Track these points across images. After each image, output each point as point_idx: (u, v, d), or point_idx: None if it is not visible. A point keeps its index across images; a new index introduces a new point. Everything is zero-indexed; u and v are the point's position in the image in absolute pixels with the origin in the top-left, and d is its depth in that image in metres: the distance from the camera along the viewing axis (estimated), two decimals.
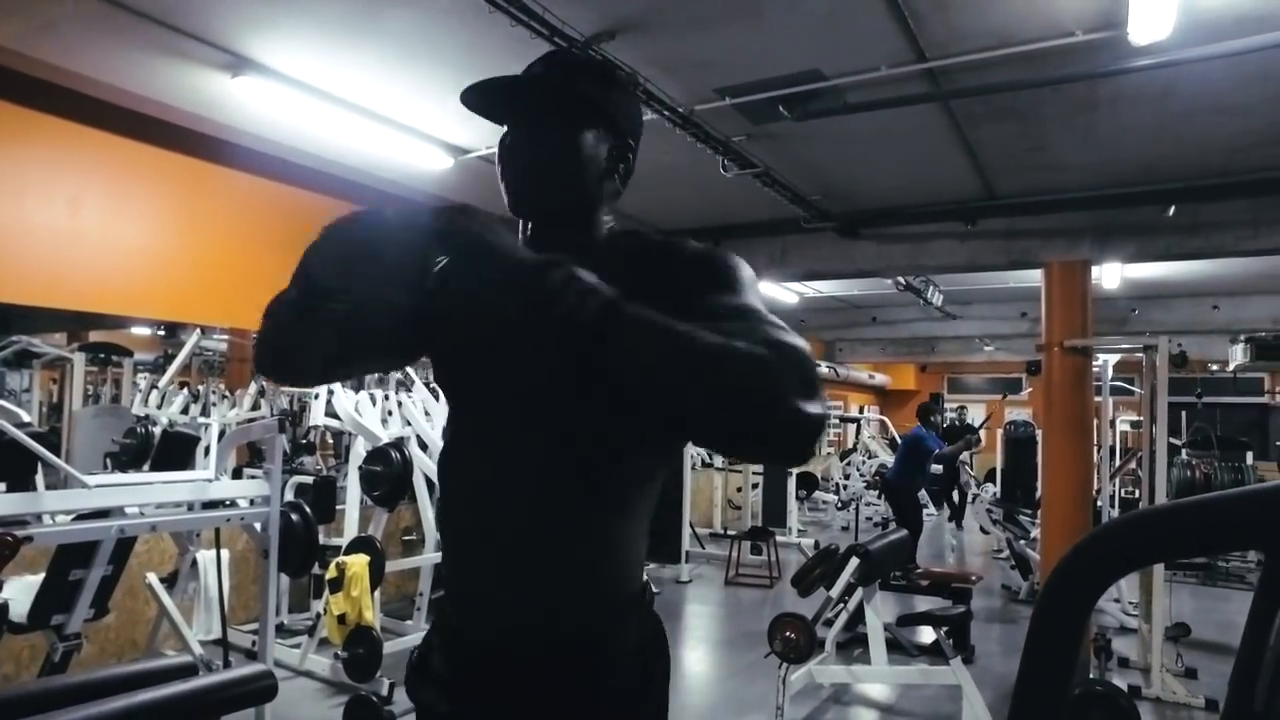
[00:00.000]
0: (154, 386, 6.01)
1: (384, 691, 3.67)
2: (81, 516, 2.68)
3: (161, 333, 7.62)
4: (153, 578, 3.52)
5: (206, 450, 4.92)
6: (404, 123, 4.16)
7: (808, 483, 9.93)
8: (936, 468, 8.12)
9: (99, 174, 4.01)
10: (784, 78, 3.50)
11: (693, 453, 8.37)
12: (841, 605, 3.99)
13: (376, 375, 5.64)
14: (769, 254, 6.17)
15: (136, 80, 3.68)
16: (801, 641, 3.49)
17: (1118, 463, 7.11)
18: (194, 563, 3.78)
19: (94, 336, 7.07)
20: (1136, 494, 6.91)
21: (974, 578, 5.39)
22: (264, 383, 5.70)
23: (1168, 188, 4.76)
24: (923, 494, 8.11)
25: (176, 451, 4.82)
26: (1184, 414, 8.77)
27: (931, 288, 8.24)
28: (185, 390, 6.22)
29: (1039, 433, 7.33)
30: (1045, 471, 5.61)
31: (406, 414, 4.75)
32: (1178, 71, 3.22)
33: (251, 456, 5.93)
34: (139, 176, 4.18)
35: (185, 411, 5.82)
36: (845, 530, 9.62)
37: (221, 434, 4.51)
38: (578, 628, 1.04)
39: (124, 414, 6.16)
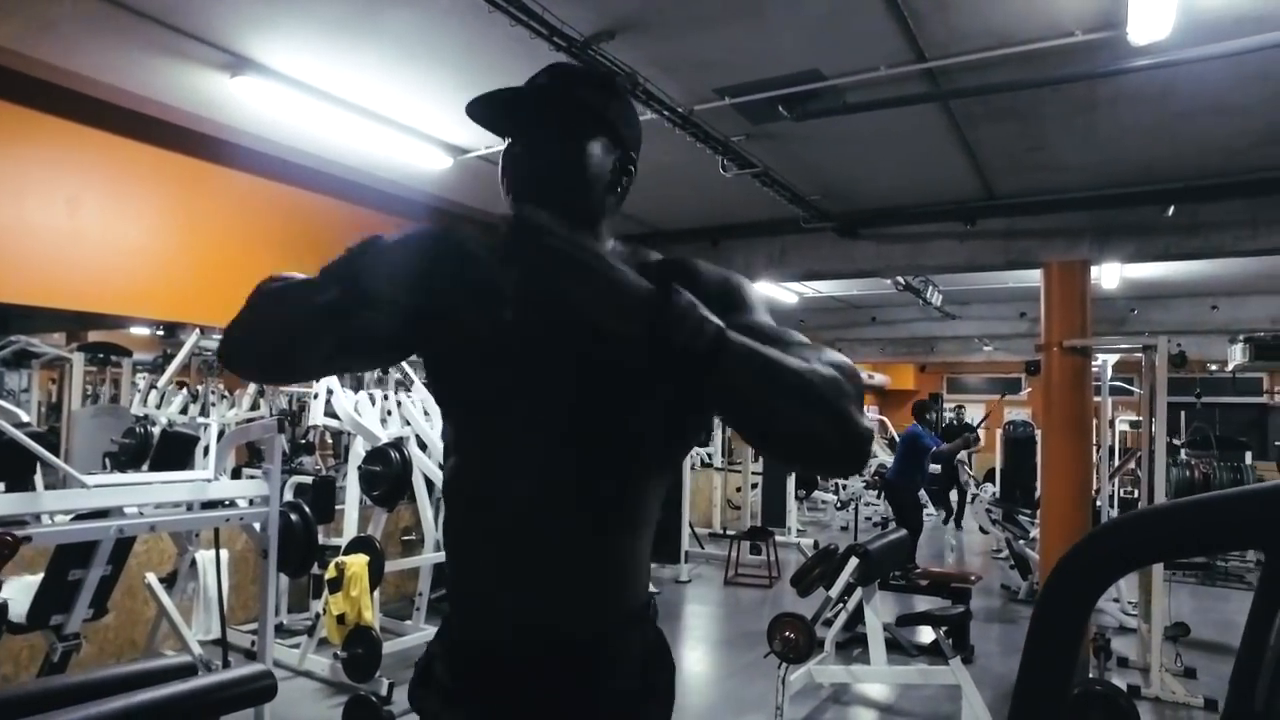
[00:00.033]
0: (153, 386, 6.01)
1: (383, 691, 3.67)
2: (80, 516, 2.68)
3: (160, 333, 7.60)
4: (152, 578, 3.52)
5: (206, 450, 4.92)
6: (403, 123, 4.15)
7: (807, 483, 9.93)
8: (935, 467, 8.12)
9: (98, 174, 4.01)
10: (783, 78, 3.50)
11: (692, 452, 8.37)
12: (841, 605, 3.99)
13: (376, 375, 5.65)
14: (768, 254, 6.17)
15: (136, 80, 3.68)
16: (801, 641, 3.49)
17: (1117, 463, 7.10)
18: (193, 563, 3.77)
19: (93, 336, 7.06)
20: (1136, 494, 6.91)
21: (973, 577, 5.40)
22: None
23: (1167, 188, 4.77)
24: (923, 494, 8.11)
25: (175, 451, 4.81)
26: (1183, 414, 8.78)
27: (931, 288, 8.24)
28: (184, 390, 6.22)
29: (1038, 433, 7.33)
30: (1044, 471, 5.61)
31: (406, 414, 4.75)
32: (1177, 72, 3.22)
33: (250, 456, 5.93)
34: (138, 176, 4.17)
35: (184, 411, 5.82)
36: (844, 530, 9.62)
37: (220, 434, 4.52)
38: (578, 629, 1.04)
39: (123, 414, 6.15)
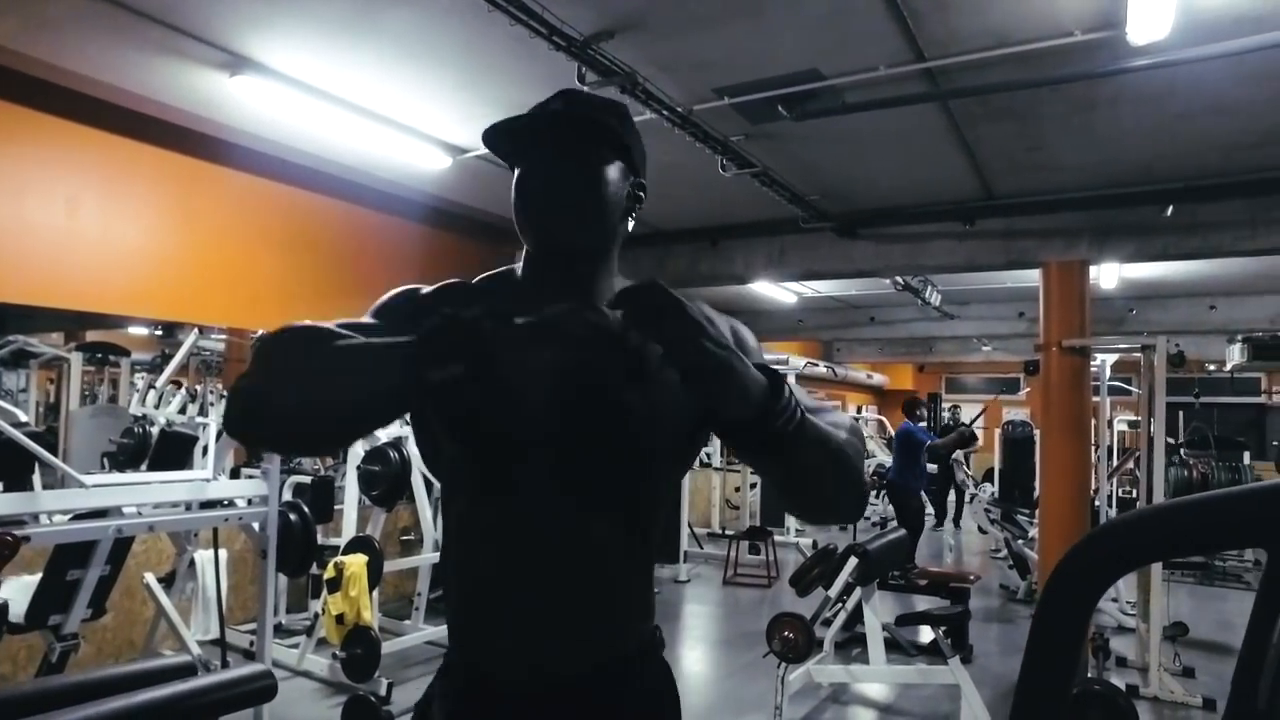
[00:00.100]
0: (151, 386, 6.00)
1: (382, 691, 3.67)
2: (79, 516, 2.67)
3: (159, 333, 7.60)
4: (150, 578, 3.52)
5: (204, 450, 4.91)
6: (402, 122, 4.15)
7: None
8: (933, 467, 8.12)
9: (97, 173, 4.01)
10: (783, 77, 3.50)
11: None
12: (840, 605, 3.99)
13: None
14: (767, 254, 6.17)
15: (135, 79, 3.68)
16: (800, 641, 3.49)
17: (1115, 462, 7.11)
18: (192, 563, 3.77)
19: (91, 336, 7.05)
20: (1134, 494, 6.92)
21: (972, 577, 5.40)
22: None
23: (1166, 188, 4.77)
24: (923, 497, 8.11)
25: (174, 451, 4.80)
26: (1181, 414, 8.78)
27: (929, 288, 8.24)
28: (183, 390, 6.21)
29: (1037, 433, 7.34)
30: (1043, 471, 5.61)
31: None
32: (1176, 71, 3.22)
33: (249, 456, 5.92)
34: (137, 176, 4.17)
35: (183, 411, 5.81)
36: (843, 530, 9.61)
37: (219, 434, 4.50)
38: (584, 667, 1.03)
39: (121, 414, 6.14)
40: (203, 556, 3.84)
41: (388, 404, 0.95)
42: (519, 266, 1.12)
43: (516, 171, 1.06)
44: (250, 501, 2.96)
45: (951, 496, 10.56)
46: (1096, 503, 5.62)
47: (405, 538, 5.65)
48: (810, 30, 3.11)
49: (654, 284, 0.86)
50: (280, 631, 4.66)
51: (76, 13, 3.06)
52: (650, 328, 0.85)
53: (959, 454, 8.57)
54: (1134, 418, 8.46)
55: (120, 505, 2.70)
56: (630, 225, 1.11)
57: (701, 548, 8.04)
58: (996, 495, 8.74)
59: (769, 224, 5.88)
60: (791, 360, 9.06)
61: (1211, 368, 10.18)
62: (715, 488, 9.52)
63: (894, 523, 6.65)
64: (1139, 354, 4.89)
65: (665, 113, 3.74)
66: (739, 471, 9.45)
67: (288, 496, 4.17)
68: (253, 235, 4.71)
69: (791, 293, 8.72)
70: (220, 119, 4.12)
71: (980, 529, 8.60)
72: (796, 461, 0.93)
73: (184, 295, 4.47)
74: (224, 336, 6.85)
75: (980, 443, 9.11)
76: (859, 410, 15.05)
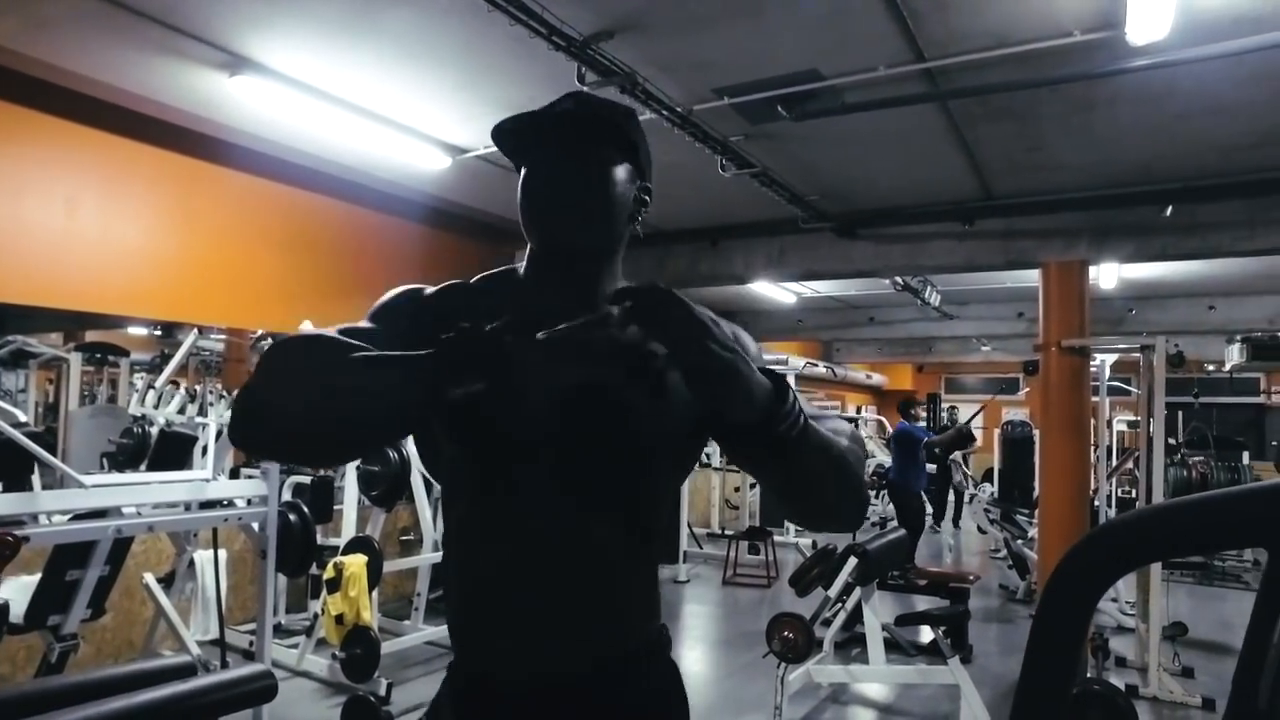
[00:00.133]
0: (151, 386, 6.00)
1: (381, 692, 3.67)
2: (78, 516, 2.67)
3: (158, 333, 7.60)
4: (150, 578, 3.52)
5: (204, 450, 4.90)
6: (402, 122, 4.15)
7: None
8: (932, 467, 8.12)
9: (96, 173, 4.01)
10: (782, 78, 3.50)
11: None
12: (839, 605, 3.99)
13: None
14: (767, 254, 6.17)
15: (134, 79, 3.68)
16: (800, 641, 3.49)
17: (1115, 462, 7.12)
18: (191, 563, 3.77)
19: (90, 336, 7.05)
20: (1133, 494, 6.93)
21: (971, 577, 5.40)
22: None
23: (1165, 188, 4.77)
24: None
25: (173, 451, 4.80)
26: (1181, 414, 8.80)
27: (929, 288, 8.24)
28: (182, 390, 6.21)
29: (1036, 433, 7.34)
30: (1042, 471, 5.62)
31: None
32: (1175, 72, 3.22)
33: (249, 457, 5.92)
34: (136, 176, 4.17)
35: (182, 411, 5.80)
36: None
37: (219, 434, 4.50)
38: (590, 667, 1.03)
39: (120, 414, 6.14)
40: (202, 557, 3.84)
41: (400, 419, 0.95)
42: (521, 266, 1.11)
43: (523, 170, 1.06)
44: (250, 502, 2.96)
45: (950, 497, 10.57)
46: (1096, 503, 5.63)
47: (405, 538, 5.64)
48: (810, 30, 3.11)
49: (656, 285, 0.86)
50: (280, 632, 4.65)
51: (75, 12, 3.05)
52: (656, 328, 0.86)
53: (957, 455, 8.57)
54: (1133, 418, 8.46)
55: (119, 505, 2.70)
56: (636, 228, 1.10)
57: (701, 548, 8.04)
58: (996, 495, 8.75)
59: (769, 224, 5.88)
60: (791, 360, 9.07)
61: (1210, 368, 10.19)
62: (715, 488, 9.52)
63: (894, 523, 6.65)
64: (1138, 354, 4.89)
65: (665, 113, 3.74)
66: (738, 472, 9.43)
67: (287, 497, 4.17)
68: (252, 235, 4.71)
69: (791, 293, 8.72)
70: (220, 119, 4.11)
71: (980, 529, 8.61)
72: (798, 467, 0.93)
73: (183, 295, 4.47)
74: (223, 337, 6.85)
75: (979, 443, 9.11)
76: (858, 410, 15.05)
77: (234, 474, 4.82)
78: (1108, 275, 6.75)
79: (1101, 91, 3.54)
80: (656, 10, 2.99)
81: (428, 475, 4.60)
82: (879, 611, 4.14)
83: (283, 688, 1.83)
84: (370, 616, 3.88)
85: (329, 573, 3.86)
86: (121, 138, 4.05)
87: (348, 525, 4.40)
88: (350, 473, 4.45)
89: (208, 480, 3.00)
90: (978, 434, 8.61)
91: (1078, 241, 5.21)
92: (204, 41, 3.29)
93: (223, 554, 3.27)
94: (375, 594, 4.08)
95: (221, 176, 4.52)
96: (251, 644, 3.81)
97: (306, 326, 3.49)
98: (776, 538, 7.61)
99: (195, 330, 5.81)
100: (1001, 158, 4.49)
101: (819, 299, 9.35)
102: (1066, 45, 3.03)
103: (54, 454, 4.17)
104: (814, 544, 7.11)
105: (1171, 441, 7.77)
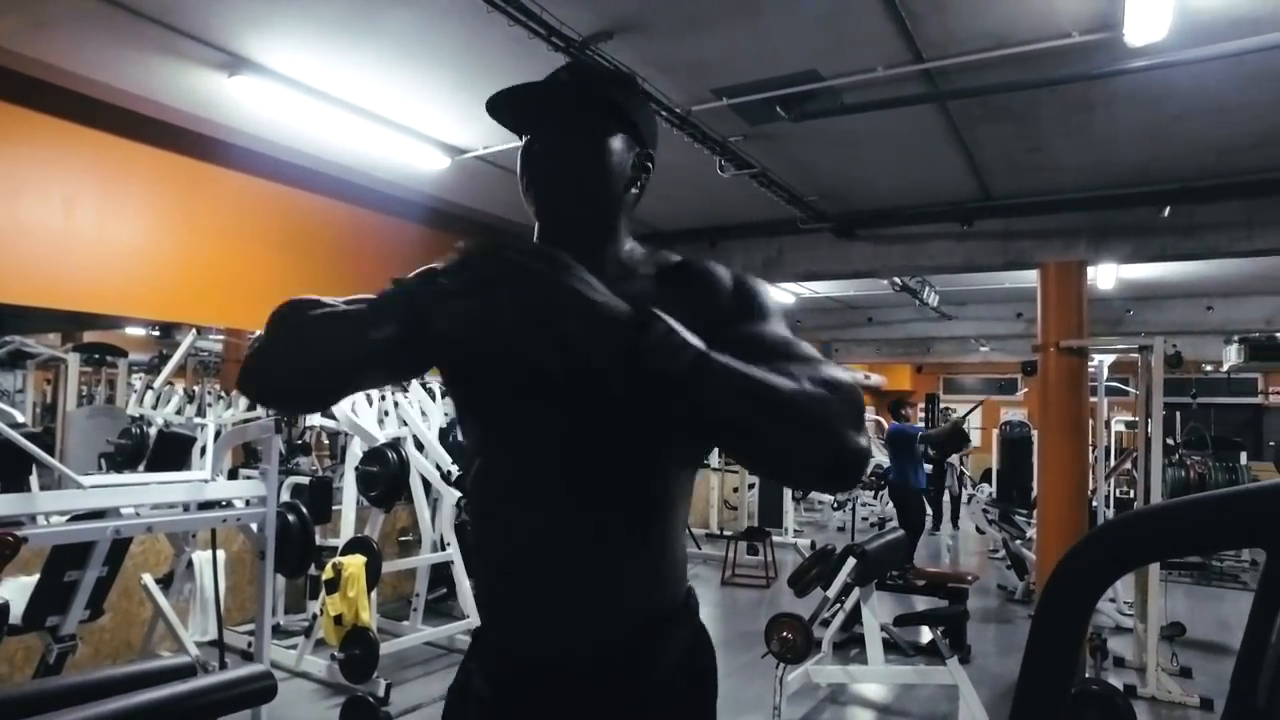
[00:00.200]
0: (149, 387, 6.00)
1: (380, 692, 3.67)
2: (77, 517, 2.66)
3: (156, 333, 7.60)
4: (148, 579, 3.51)
5: (202, 451, 4.90)
6: (401, 123, 4.15)
7: None
8: (929, 467, 8.13)
9: (94, 173, 4.00)
10: (781, 78, 3.50)
11: None
12: (838, 605, 3.99)
13: None
14: (766, 254, 6.17)
15: (132, 79, 3.67)
16: (798, 642, 3.49)
17: (1113, 463, 7.13)
18: (190, 564, 3.76)
19: (88, 337, 7.04)
20: (1132, 494, 6.93)
21: (970, 578, 5.41)
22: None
23: (1163, 189, 4.78)
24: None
25: (172, 452, 4.80)
26: (1179, 414, 8.82)
27: (927, 288, 8.25)
28: (181, 390, 6.21)
29: (1034, 433, 7.35)
30: (1041, 472, 5.62)
31: (403, 414, 4.74)
32: (1173, 73, 3.23)
33: (247, 457, 5.92)
34: (134, 176, 4.16)
35: (180, 412, 5.81)
36: (841, 530, 9.63)
37: (217, 434, 4.50)
38: (614, 632, 1.03)
39: (119, 414, 6.14)
40: (201, 557, 3.84)
41: (387, 347, 1.01)
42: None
43: (522, 141, 1.09)
44: (248, 502, 2.95)
45: (946, 498, 10.58)
46: (1094, 503, 5.63)
47: (403, 538, 5.64)
48: (808, 31, 3.12)
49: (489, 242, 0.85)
50: (278, 632, 4.65)
51: (74, 12, 3.05)
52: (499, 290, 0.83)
53: (954, 457, 8.58)
54: (1131, 418, 8.48)
55: (118, 506, 2.69)
56: (638, 196, 1.12)
57: (700, 548, 8.03)
58: (994, 496, 8.75)
59: (767, 225, 5.88)
60: None
61: (1208, 368, 10.20)
62: (714, 488, 9.52)
63: (893, 523, 6.66)
64: (1136, 354, 4.89)
65: (664, 113, 3.75)
66: (737, 472, 9.44)
67: (286, 497, 4.17)
68: (251, 235, 4.71)
69: (790, 293, 8.73)
70: (218, 119, 4.11)
71: (978, 529, 8.61)
72: (704, 407, 0.85)
73: (182, 296, 4.46)
74: (221, 337, 6.85)
75: (975, 443, 9.13)
76: None
77: (233, 475, 4.83)
78: (1106, 276, 6.77)
79: (1100, 92, 3.54)
80: (655, 11, 2.99)
81: (426, 476, 4.60)
82: (877, 612, 4.14)
83: (281, 688, 1.82)
84: (369, 617, 3.88)
85: (328, 573, 3.85)
86: (120, 138, 4.05)
87: (346, 526, 4.39)
88: (349, 473, 4.44)
89: (206, 481, 2.99)
90: (975, 434, 8.62)
91: (1076, 242, 5.22)
92: (203, 42, 3.28)
93: (221, 555, 3.26)
94: (374, 594, 4.08)
95: (220, 177, 4.52)
96: (250, 645, 3.80)
97: None
98: (775, 538, 7.62)
99: (194, 331, 5.82)
100: (1000, 158, 4.49)
101: (818, 299, 9.36)
102: (1065, 46, 3.04)
103: (52, 454, 4.16)
104: (813, 544, 7.12)
105: (1169, 442, 7.78)
